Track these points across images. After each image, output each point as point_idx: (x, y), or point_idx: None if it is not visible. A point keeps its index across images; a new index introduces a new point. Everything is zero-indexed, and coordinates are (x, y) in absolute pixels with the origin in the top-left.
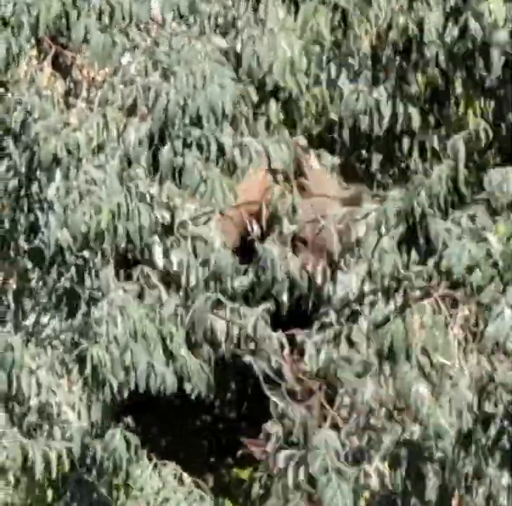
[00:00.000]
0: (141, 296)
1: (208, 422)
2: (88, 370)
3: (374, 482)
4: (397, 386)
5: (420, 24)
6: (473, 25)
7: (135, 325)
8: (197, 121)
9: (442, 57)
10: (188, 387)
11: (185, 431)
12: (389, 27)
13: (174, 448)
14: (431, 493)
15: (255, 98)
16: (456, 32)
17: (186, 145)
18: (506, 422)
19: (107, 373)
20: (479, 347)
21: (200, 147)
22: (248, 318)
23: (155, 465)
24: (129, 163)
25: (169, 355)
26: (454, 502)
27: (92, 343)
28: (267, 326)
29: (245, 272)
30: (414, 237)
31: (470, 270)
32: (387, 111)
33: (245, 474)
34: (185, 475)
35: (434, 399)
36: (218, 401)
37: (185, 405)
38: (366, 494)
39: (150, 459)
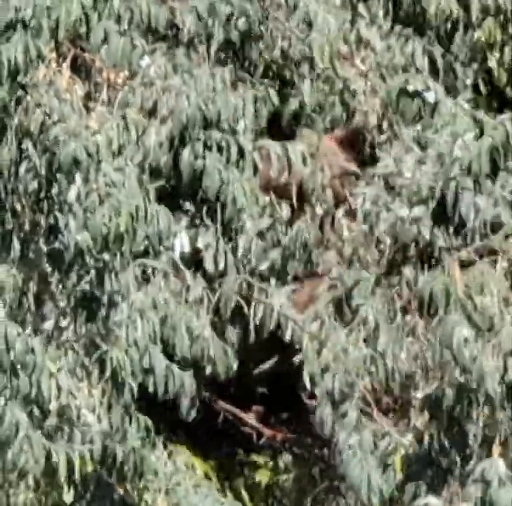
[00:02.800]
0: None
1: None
2: (107, 373)
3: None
4: (439, 333)
5: None
6: None
7: (155, 328)
8: (217, 124)
9: None
10: (208, 369)
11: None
12: None
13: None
14: (473, 446)
15: (276, 100)
16: None
17: (207, 147)
18: None
19: (126, 376)
20: None
21: (220, 149)
22: (275, 298)
23: (170, 453)
24: (150, 167)
25: (192, 338)
26: (495, 450)
27: (112, 346)
28: (292, 306)
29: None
30: (446, 210)
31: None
32: None
33: (261, 460)
34: (196, 464)
35: (478, 343)
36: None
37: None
38: (402, 451)
39: (165, 447)
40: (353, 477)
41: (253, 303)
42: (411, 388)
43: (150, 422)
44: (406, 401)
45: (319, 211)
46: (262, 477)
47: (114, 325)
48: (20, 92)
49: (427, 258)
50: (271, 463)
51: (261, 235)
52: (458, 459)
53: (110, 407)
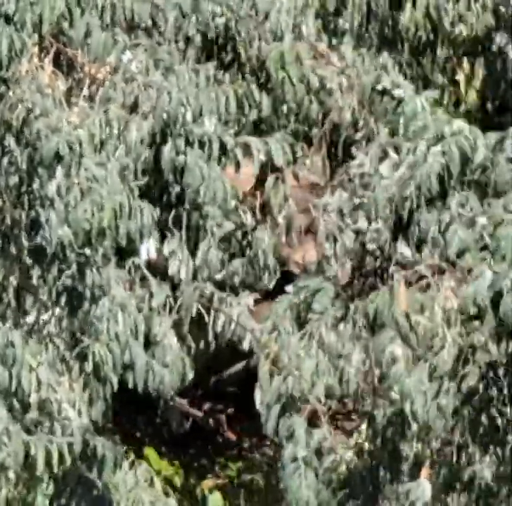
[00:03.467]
0: (131, 287)
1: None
2: (88, 368)
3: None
4: (374, 350)
5: None
6: None
7: (135, 321)
8: (199, 120)
9: None
10: (166, 378)
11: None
12: None
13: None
14: (403, 465)
15: (258, 96)
16: None
17: (188, 143)
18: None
19: (108, 371)
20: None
21: (202, 145)
22: (234, 308)
23: (132, 463)
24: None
25: (154, 345)
26: (424, 472)
27: (93, 340)
28: (251, 316)
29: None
30: (404, 226)
31: (460, 254)
32: None
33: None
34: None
35: (408, 361)
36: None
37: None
38: (343, 468)
39: (127, 458)
40: (291, 491)
41: (212, 313)
42: (358, 402)
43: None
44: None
45: (281, 220)
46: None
47: (96, 319)
48: (2, 87)
49: (383, 273)
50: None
51: (224, 240)
52: (388, 478)
53: (90, 401)
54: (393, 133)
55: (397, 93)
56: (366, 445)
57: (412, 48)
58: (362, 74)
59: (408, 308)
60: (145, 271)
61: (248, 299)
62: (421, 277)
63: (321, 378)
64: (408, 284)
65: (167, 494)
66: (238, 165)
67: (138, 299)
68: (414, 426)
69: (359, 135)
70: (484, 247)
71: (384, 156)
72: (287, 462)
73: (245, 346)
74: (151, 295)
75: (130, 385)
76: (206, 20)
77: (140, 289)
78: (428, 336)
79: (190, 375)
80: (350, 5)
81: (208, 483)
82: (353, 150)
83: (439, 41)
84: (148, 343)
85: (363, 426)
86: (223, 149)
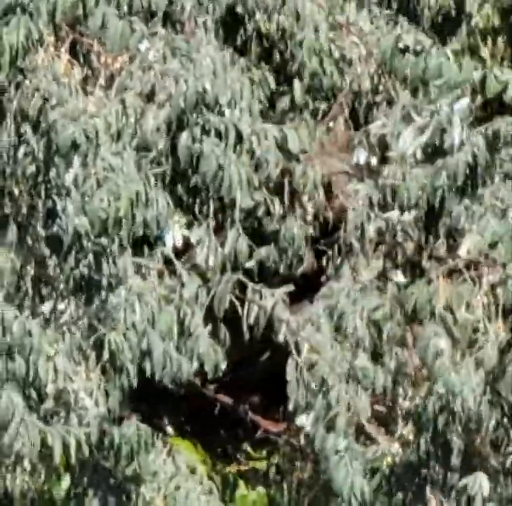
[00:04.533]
0: (160, 277)
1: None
2: (105, 357)
3: (396, 448)
4: (418, 344)
5: None
6: None
7: (153, 310)
8: (215, 108)
9: None
10: (194, 366)
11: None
12: None
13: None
14: (455, 458)
15: (273, 84)
16: None
17: (205, 131)
18: None
19: (124, 360)
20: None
21: (218, 134)
22: (268, 300)
23: (170, 451)
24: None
25: (185, 336)
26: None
27: (109, 329)
28: (286, 308)
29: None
30: (435, 217)
31: (492, 246)
32: None
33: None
34: (198, 464)
35: (455, 355)
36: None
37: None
38: (389, 459)
39: (164, 445)
40: (338, 481)
41: (246, 304)
42: (399, 396)
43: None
44: (394, 409)
45: (310, 209)
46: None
47: (112, 309)
48: (18, 77)
49: (415, 265)
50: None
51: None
52: (441, 470)
53: (107, 391)
54: (415, 93)
55: (419, 48)
56: (411, 437)
57: (434, 24)
58: (381, 38)
59: (449, 302)
60: (175, 261)
61: (282, 290)
62: (455, 270)
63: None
64: (444, 277)
65: (211, 478)
66: (253, 153)
67: (168, 289)
68: (463, 420)
69: (379, 98)
70: None
71: (406, 119)
72: (330, 454)
73: (280, 338)
74: (182, 285)
75: (148, 373)
76: (222, 8)
77: (169, 279)
78: (470, 330)
79: (223, 366)
80: None
81: (234, 468)
82: (374, 113)
83: (464, 17)
84: (181, 334)
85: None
86: (239, 137)
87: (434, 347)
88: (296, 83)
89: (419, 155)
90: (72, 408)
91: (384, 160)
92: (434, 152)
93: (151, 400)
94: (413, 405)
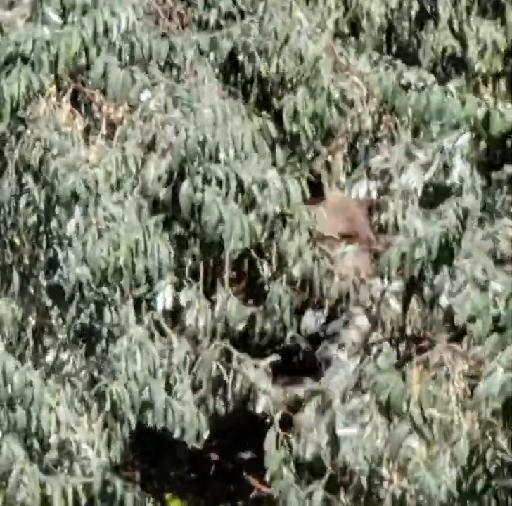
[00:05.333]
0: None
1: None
2: (107, 407)
3: None
4: (391, 441)
5: None
6: None
7: (154, 360)
8: (216, 157)
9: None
10: (177, 432)
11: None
12: None
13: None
14: None
15: (274, 133)
16: None
17: (206, 181)
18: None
19: (126, 410)
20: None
21: (219, 183)
22: (251, 370)
23: None
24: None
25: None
26: None
27: (111, 380)
28: (269, 380)
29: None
30: (417, 286)
31: (472, 319)
32: None
33: None
34: None
35: (425, 455)
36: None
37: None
38: None
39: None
40: None
41: (231, 374)
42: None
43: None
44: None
45: (296, 273)
46: None
47: (114, 358)
48: (20, 126)
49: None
50: None
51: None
52: None
53: (109, 441)
54: (416, 131)
55: (421, 85)
56: None
57: (435, 67)
58: (383, 77)
59: (422, 398)
60: (165, 327)
61: (267, 361)
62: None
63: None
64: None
65: None
66: (253, 202)
67: (158, 355)
68: None
69: (380, 135)
70: (497, 318)
71: (408, 155)
72: None
73: (259, 409)
74: (171, 351)
75: (149, 424)
76: (223, 57)
77: (160, 342)
78: (443, 428)
79: (205, 435)
80: (367, 24)
81: None
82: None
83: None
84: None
85: None
86: (240, 186)
87: (407, 447)
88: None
89: (420, 193)
90: (74, 458)
91: (385, 191)
92: (437, 190)
93: (153, 448)
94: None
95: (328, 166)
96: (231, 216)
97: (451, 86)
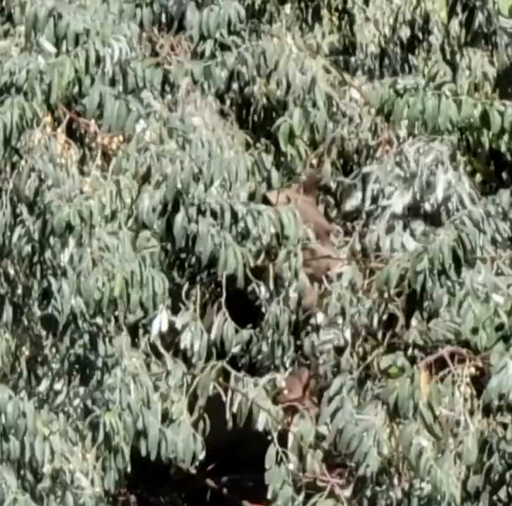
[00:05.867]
0: (148, 366)
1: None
2: (101, 437)
3: None
4: (401, 440)
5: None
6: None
7: (148, 391)
8: (211, 188)
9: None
10: (180, 446)
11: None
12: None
13: None
14: None
15: (269, 165)
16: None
17: (200, 212)
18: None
19: (120, 440)
20: (484, 402)
21: (214, 214)
22: (250, 389)
23: None
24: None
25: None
26: None
27: (105, 410)
28: (268, 398)
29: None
30: (418, 300)
31: (474, 331)
32: None
33: None
34: None
35: (435, 453)
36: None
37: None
38: None
39: None
40: None
41: (229, 393)
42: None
43: None
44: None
45: (293, 294)
46: None
47: (108, 389)
48: (14, 157)
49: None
50: None
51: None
52: None
53: (103, 470)
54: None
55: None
56: None
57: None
58: (378, 85)
59: (430, 397)
60: (161, 349)
61: (265, 379)
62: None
63: None
64: (427, 367)
65: None
66: (247, 233)
67: (154, 377)
68: None
69: (374, 142)
70: (500, 327)
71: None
72: None
73: (260, 427)
74: (168, 373)
75: (143, 453)
76: (218, 86)
77: (155, 365)
78: (451, 426)
79: (201, 455)
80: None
81: None
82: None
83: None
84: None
85: None
86: (235, 217)
87: (417, 445)
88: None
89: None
90: (68, 488)
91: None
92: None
93: (148, 479)
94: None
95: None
96: (225, 247)
97: (446, 89)
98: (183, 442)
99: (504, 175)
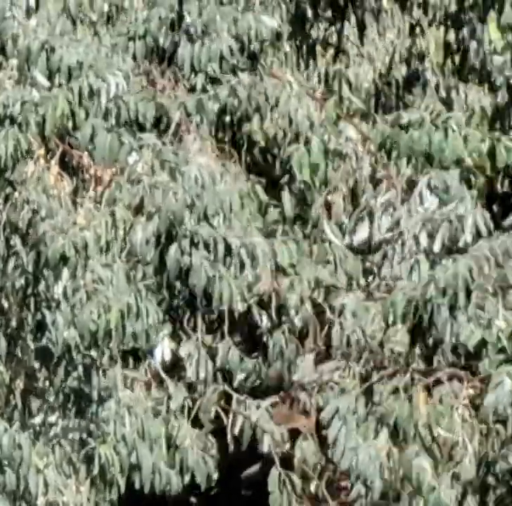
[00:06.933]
0: (148, 389)
1: None
2: (95, 470)
3: None
4: (401, 460)
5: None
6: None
7: (142, 423)
8: (204, 220)
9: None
10: (186, 478)
11: None
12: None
13: None
14: None
15: (263, 196)
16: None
17: (193, 244)
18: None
19: (115, 472)
20: (480, 419)
21: (207, 246)
22: (253, 411)
23: None
24: (137, 262)
25: (173, 448)
26: None
27: (100, 442)
28: (270, 419)
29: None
30: (422, 327)
31: (476, 354)
32: None
33: None
34: None
35: (435, 473)
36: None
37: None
38: None
39: None
40: None
41: (231, 415)
42: None
43: None
44: None
45: (298, 323)
46: None
47: (102, 421)
48: (8, 189)
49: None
50: None
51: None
52: None
53: (97, 503)
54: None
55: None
56: None
57: None
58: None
59: (429, 419)
60: (162, 374)
61: (268, 401)
62: (438, 381)
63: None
64: (427, 389)
65: None
66: (242, 266)
67: (154, 401)
68: None
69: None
70: (502, 350)
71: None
72: None
73: (264, 448)
74: (169, 397)
75: (137, 486)
76: (211, 119)
77: (157, 391)
78: (449, 446)
79: (215, 475)
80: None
81: None
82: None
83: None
84: (168, 445)
85: None
86: (228, 250)
87: (417, 467)
88: (285, 196)
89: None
90: None
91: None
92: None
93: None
94: None
95: (327, 206)
96: (220, 280)
97: (452, 122)
98: (194, 465)
99: None
